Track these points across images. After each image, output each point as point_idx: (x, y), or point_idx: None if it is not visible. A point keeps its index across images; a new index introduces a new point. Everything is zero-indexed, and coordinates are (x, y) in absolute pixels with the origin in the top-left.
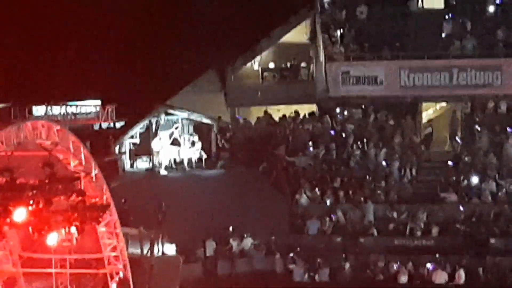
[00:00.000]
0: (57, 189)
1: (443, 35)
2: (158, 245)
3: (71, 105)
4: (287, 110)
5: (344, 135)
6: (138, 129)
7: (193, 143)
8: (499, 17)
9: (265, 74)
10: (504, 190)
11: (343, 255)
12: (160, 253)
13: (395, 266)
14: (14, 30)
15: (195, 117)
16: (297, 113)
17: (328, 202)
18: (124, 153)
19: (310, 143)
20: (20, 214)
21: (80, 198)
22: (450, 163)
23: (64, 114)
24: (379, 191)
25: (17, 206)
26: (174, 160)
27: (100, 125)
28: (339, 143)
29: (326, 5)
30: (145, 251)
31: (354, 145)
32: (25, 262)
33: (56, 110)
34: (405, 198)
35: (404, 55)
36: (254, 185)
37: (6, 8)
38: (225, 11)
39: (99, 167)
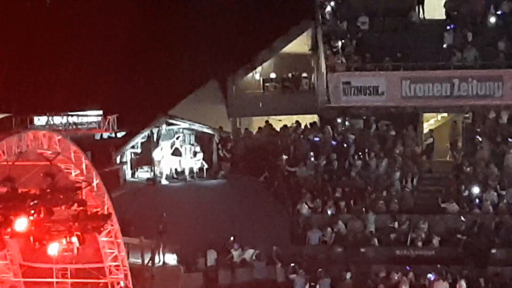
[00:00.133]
0: (58, 199)
1: (444, 45)
2: (159, 255)
3: (72, 115)
4: (289, 120)
5: (345, 145)
6: (139, 139)
7: (194, 153)
8: (500, 28)
9: (267, 84)
10: (505, 200)
11: (344, 265)
12: (161, 263)
13: (396, 276)
14: (15, 40)
15: (197, 127)
16: (298, 123)
17: (329, 212)
18: (125, 163)
19: (311, 153)
20: (21, 223)
21: (81, 207)
22: (451, 173)
23: (65, 124)
24: (380, 201)
25: (18, 215)
26: (175, 170)
27: (102, 135)
28: (340, 153)
29: (327, 15)
30: (146, 261)
31: (355, 155)
32: (26, 272)
33: (58, 120)
34: (406, 208)
35: (405, 65)
36: (255, 195)
37: (8, 18)
38: (226, 21)
39: (100, 176)
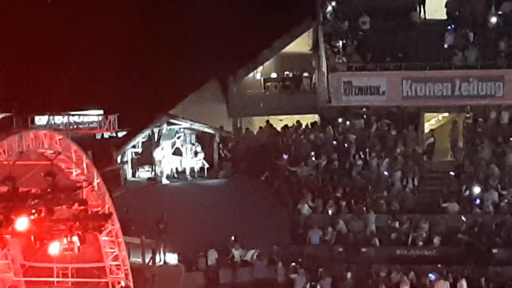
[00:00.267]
0: (59, 198)
1: (445, 46)
2: (160, 254)
3: (73, 115)
4: (289, 120)
5: (346, 145)
6: (140, 138)
7: (195, 153)
8: (501, 28)
9: (267, 84)
10: (506, 200)
11: (345, 265)
12: (162, 262)
13: (397, 276)
14: (16, 39)
15: (197, 126)
16: (299, 123)
17: (330, 212)
18: (126, 162)
19: (312, 153)
20: (22, 223)
21: (82, 207)
22: (452, 173)
23: (66, 123)
24: (381, 201)
25: (19, 215)
26: (176, 169)
27: (102, 134)
28: (341, 153)
29: (328, 15)
30: (147, 260)
31: (356, 155)
32: (27, 271)
33: (58, 119)
34: (407, 208)
35: (406, 65)
36: (256, 194)
37: (9, 18)
38: (227, 21)
39: (101, 176)
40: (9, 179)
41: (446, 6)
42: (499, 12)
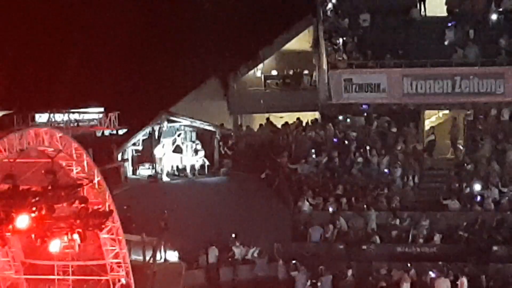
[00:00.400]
0: (59, 196)
1: (446, 43)
2: (160, 252)
3: (74, 112)
4: (290, 117)
5: (346, 142)
6: (140, 136)
7: (195, 150)
8: (502, 25)
9: (268, 81)
10: (506, 197)
11: (346, 262)
12: (162, 260)
13: (397, 274)
14: (17, 37)
15: (198, 124)
16: (299, 120)
17: (330, 210)
18: (127, 160)
19: (313, 150)
20: (22, 220)
21: (82, 205)
22: (452, 170)
23: (67, 121)
24: (381, 199)
25: (19, 212)
26: (177, 167)
27: (103, 132)
28: (341, 150)
29: (328, 13)
30: (147, 258)
31: (357, 153)
32: (27, 269)
33: (59, 117)
34: (407, 205)
35: (406, 63)
36: (257, 192)
37: (9, 15)
38: (228, 19)
39: (101, 174)
40: (9, 177)
41: (446, 3)
42: (500, 9)
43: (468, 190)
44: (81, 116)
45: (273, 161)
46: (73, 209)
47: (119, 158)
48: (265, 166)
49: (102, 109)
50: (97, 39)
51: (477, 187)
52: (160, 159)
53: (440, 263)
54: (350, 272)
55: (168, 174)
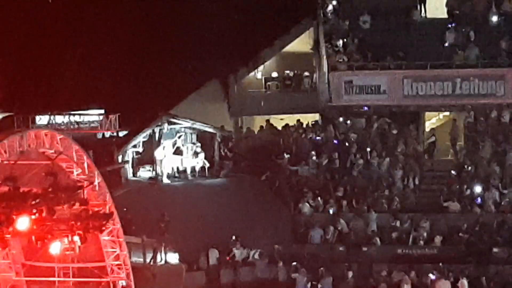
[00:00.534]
0: (60, 198)
1: (446, 44)
2: (161, 254)
3: (74, 114)
4: (290, 119)
5: (347, 144)
6: (141, 138)
7: (196, 152)
8: (502, 27)
9: (268, 83)
10: (507, 199)
11: (346, 264)
12: (163, 262)
13: (398, 275)
14: (17, 39)
15: (198, 126)
16: (300, 122)
17: (331, 211)
18: (127, 162)
19: (313, 152)
20: (23, 222)
21: (83, 207)
22: (453, 172)
23: (67, 123)
24: (382, 200)
25: (20, 214)
26: (177, 169)
27: (103, 134)
28: (342, 152)
29: (329, 14)
30: (148, 260)
31: (357, 154)
32: (28, 271)
33: (59, 119)
34: (408, 207)
35: (407, 64)
36: (257, 194)
37: (10, 17)
38: (228, 21)
39: (102, 176)
40: (10, 178)
41: (446, 4)
42: (500, 11)
43: (468, 192)
44: (82, 118)
45: (274, 163)
46: (74, 211)
47: (120, 160)
48: (266, 168)
49: (102, 111)
50: (98, 41)
51: (478, 189)
52: (161, 161)
53: (440, 264)
54: (350, 274)
55: (168, 176)
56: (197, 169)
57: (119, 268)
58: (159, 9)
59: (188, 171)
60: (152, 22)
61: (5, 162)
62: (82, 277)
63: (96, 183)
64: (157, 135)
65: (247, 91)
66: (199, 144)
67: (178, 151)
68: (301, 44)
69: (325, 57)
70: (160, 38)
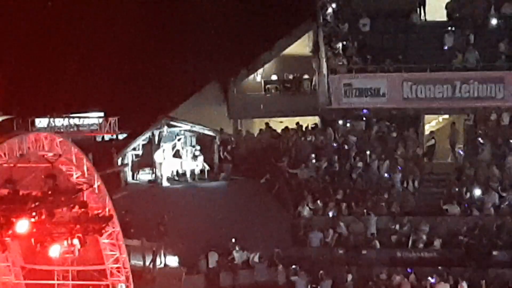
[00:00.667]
0: (59, 201)
1: (446, 47)
2: (160, 257)
3: (74, 117)
4: (290, 122)
5: (346, 147)
6: (140, 141)
7: (195, 155)
8: (502, 30)
9: (268, 86)
10: (506, 202)
11: (346, 267)
12: (162, 265)
13: (397, 278)
14: (17, 41)
15: (198, 129)
16: (299, 125)
17: (330, 214)
18: (127, 165)
19: (313, 155)
20: (22, 225)
21: (82, 209)
22: (452, 175)
23: (66, 126)
24: (381, 203)
25: (19, 217)
26: (177, 172)
27: (103, 137)
28: (341, 155)
29: (328, 17)
30: (147, 263)
31: (357, 157)
32: (27, 274)
33: (59, 122)
34: (407, 210)
35: (406, 67)
36: (257, 197)
37: (9, 20)
38: (227, 23)
39: (101, 178)
40: (9, 181)
41: (446, 7)
42: (500, 14)
43: (468, 195)
44: (81, 121)
45: (273, 165)
46: (73, 214)
47: (119, 163)
48: (265, 171)
49: (102, 114)
50: (97, 44)
51: (477, 192)
52: (160, 164)
53: (440, 268)
54: (350, 277)
55: (168, 179)
56: (196, 172)
57: (118, 271)
58: (158, 12)
59: (188, 174)
60: (151, 25)
61: (5, 165)
62: (81, 280)
63: (95, 186)
64: (156, 138)
65: (246, 94)
66: (198, 147)
67: (177, 154)
68: (300, 47)
69: (324, 60)
70: (159, 41)
